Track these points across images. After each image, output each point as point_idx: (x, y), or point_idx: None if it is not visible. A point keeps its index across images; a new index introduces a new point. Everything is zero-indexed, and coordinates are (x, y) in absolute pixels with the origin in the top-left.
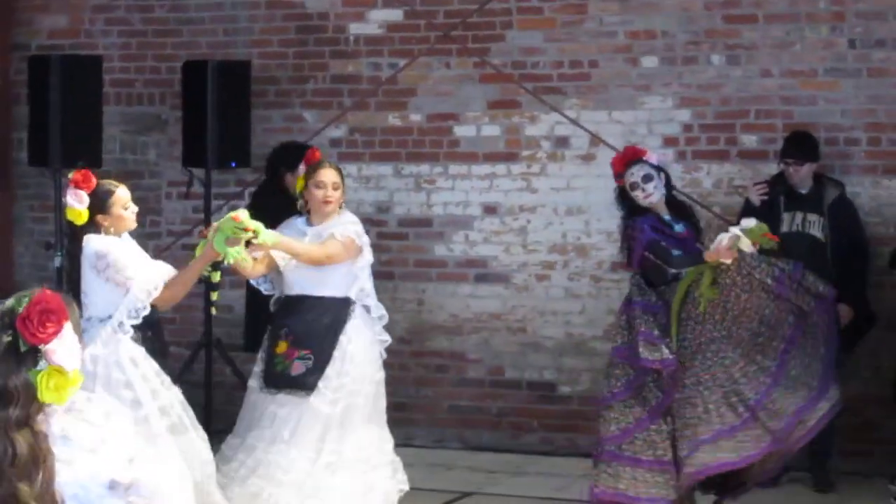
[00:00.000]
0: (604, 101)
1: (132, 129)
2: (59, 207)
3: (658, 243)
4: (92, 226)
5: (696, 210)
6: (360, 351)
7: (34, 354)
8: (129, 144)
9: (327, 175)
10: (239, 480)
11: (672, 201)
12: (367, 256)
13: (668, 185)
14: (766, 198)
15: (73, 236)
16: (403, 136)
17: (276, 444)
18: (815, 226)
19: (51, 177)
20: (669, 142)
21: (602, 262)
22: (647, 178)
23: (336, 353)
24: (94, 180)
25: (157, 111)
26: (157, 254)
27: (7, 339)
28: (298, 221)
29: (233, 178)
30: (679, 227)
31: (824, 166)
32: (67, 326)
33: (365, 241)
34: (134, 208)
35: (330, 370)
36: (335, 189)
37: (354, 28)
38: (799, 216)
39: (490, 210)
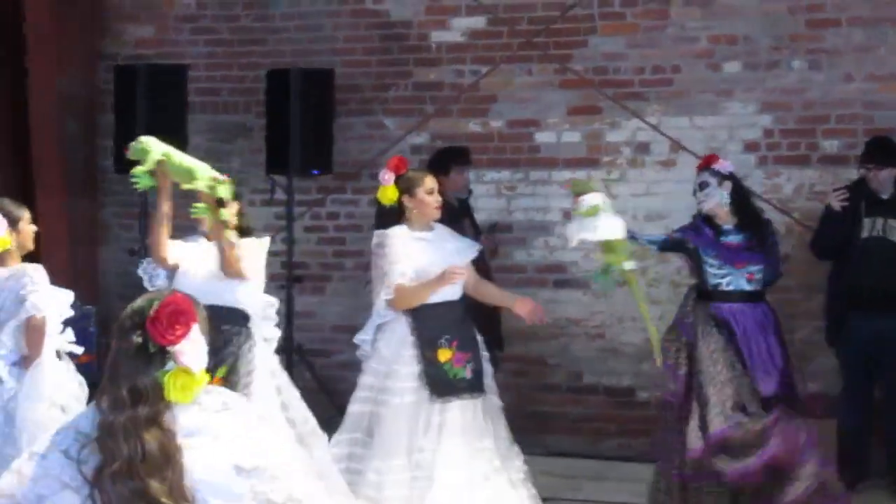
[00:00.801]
0: (685, 106)
1: (217, 137)
2: (145, 214)
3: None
4: None
5: (773, 216)
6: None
7: (162, 355)
8: (213, 152)
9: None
10: (483, 486)
11: (742, 209)
12: None
13: (738, 193)
14: (846, 203)
15: None
16: (484, 142)
17: (495, 443)
18: None
19: None
20: (750, 147)
21: (681, 268)
22: (702, 186)
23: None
24: None
25: (242, 119)
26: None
27: (137, 339)
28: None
29: (315, 186)
30: (734, 238)
31: None
32: (195, 328)
33: None
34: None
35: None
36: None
37: (437, 35)
38: (880, 222)
39: (570, 216)
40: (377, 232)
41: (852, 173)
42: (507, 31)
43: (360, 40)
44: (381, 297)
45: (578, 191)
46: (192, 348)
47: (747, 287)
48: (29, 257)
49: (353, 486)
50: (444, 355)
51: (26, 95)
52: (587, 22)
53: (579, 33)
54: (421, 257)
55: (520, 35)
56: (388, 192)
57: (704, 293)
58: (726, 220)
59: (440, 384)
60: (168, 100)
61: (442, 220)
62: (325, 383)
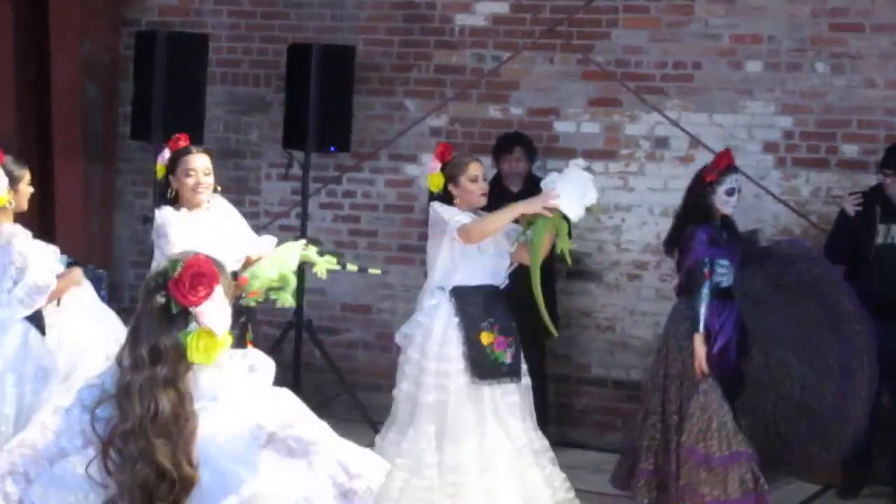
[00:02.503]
0: (705, 103)
1: (235, 110)
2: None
3: (703, 262)
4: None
5: (789, 218)
6: None
7: (185, 316)
8: (231, 124)
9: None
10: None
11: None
12: None
13: None
14: (860, 208)
15: None
16: (503, 128)
17: (534, 429)
18: None
19: (152, 152)
20: (769, 148)
21: None
22: (738, 191)
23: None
24: None
25: (261, 92)
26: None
27: (160, 300)
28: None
29: (332, 163)
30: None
31: None
32: (218, 290)
33: None
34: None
35: None
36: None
37: (460, 19)
38: (895, 229)
39: (586, 207)
40: (431, 203)
41: (871, 179)
42: (531, 19)
43: (383, 19)
44: (436, 272)
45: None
46: (215, 310)
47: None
48: (44, 221)
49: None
50: (486, 338)
51: (48, 59)
52: (610, 14)
53: (602, 25)
54: None
55: (542, 23)
56: (435, 180)
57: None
58: (717, 220)
59: (483, 367)
60: (188, 69)
61: (490, 206)
62: (334, 361)
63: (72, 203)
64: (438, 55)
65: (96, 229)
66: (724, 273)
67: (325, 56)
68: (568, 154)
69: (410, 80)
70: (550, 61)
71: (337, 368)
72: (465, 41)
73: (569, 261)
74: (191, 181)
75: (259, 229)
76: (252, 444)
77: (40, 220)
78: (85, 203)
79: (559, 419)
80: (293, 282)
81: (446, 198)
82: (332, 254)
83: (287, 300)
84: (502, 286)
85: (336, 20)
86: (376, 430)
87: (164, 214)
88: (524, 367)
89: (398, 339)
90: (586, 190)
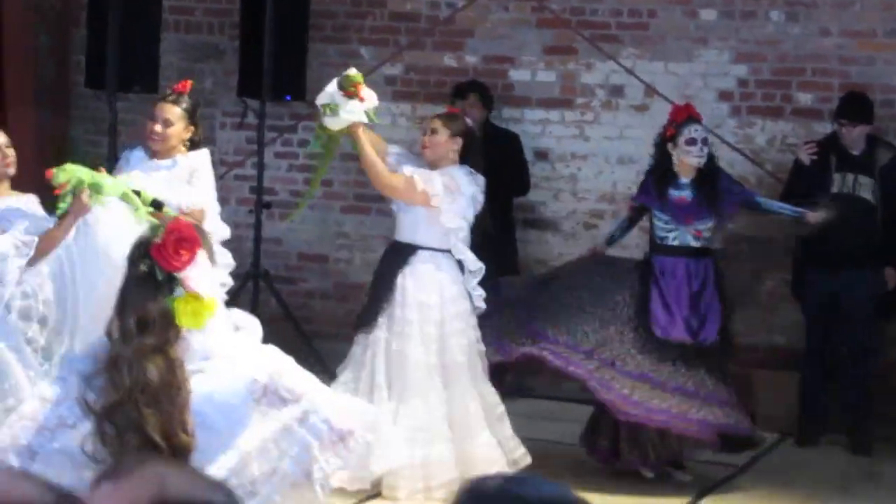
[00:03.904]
0: (660, 52)
1: (189, 58)
2: (114, 131)
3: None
4: None
5: (744, 167)
6: None
7: (170, 282)
8: (185, 72)
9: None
10: None
11: (705, 168)
12: None
13: (709, 154)
14: (815, 157)
15: None
16: (459, 77)
17: None
18: (866, 188)
19: (106, 101)
20: (724, 97)
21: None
22: (705, 142)
23: None
24: None
25: (215, 40)
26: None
27: (144, 268)
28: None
29: (287, 112)
30: (683, 193)
31: (879, 129)
32: (201, 253)
33: None
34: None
35: None
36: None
37: None
38: (850, 178)
39: (542, 156)
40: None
41: (826, 127)
42: None
43: None
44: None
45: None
46: (199, 273)
47: (693, 243)
48: None
49: None
50: None
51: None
52: None
53: None
54: None
55: None
56: None
57: (652, 246)
58: (688, 173)
59: None
60: (142, 17)
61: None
62: (291, 311)
63: (24, 151)
64: (392, 3)
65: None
66: (662, 227)
67: (279, 3)
68: (524, 102)
69: (365, 28)
70: (505, 9)
71: (294, 318)
72: None
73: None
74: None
75: (216, 179)
76: (247, 398)
77: None
78: (38, 152)
79: (517, 369)
80: (108, 187)
81: None
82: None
83: (100, 201)
84: None
85: None
86: (333, 378)
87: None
88: None
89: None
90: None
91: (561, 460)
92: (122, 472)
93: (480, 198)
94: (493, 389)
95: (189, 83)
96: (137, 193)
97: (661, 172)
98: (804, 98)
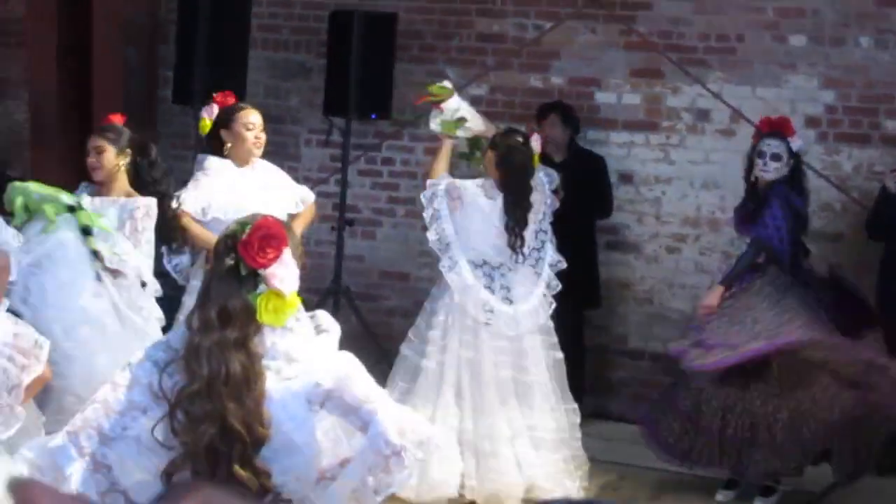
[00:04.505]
0: (748, 76)
1: (276, 75)
2: (200, 146)
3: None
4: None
5: (830, 194)
6: None
7: (254, 278)
8: (272, 90)
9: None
10: None
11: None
12: None
13: (798, 171)
14: None
15: None
16: (544, 98)
17: None
18: None
19: (193, 116)
20: (812, 122)
21: (734, 239)
22: (775, 157)
23: None
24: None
25: (302, 59)
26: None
27: (229, 262)
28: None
29: (372, 130)
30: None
31: None
32: (286, 252)
33: None
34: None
35: None
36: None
37: None
38: None
39: (626, 178)
40: None
41: None
42: None
43: None
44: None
45: (441, 99)
46: (284, 271)
47: None
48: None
49: None
50: None
51: (90, 23)
52: None
53: None
54: None
55: None
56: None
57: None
58: (762, 187)
59: None
60: (230, 34)
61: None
62: (371, 328)
63: None
64: (479, 24)
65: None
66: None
67: (367, 23)
68: (609, 125)
69: (451, 49)
70: (593, 31)
71: (374, 335)
72: (508, 10)
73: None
74: (250, 135)
75: None
76: (309, 403)
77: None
78: None
79: (596, 390)
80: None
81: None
82: None
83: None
84: None
85: None
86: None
87: (211, 160)
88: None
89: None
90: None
91: (638, 484)
92: (173, 499)
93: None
94: (573, 406)
95: (120, 117)
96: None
97: (748, 182)
98: (892, 125)
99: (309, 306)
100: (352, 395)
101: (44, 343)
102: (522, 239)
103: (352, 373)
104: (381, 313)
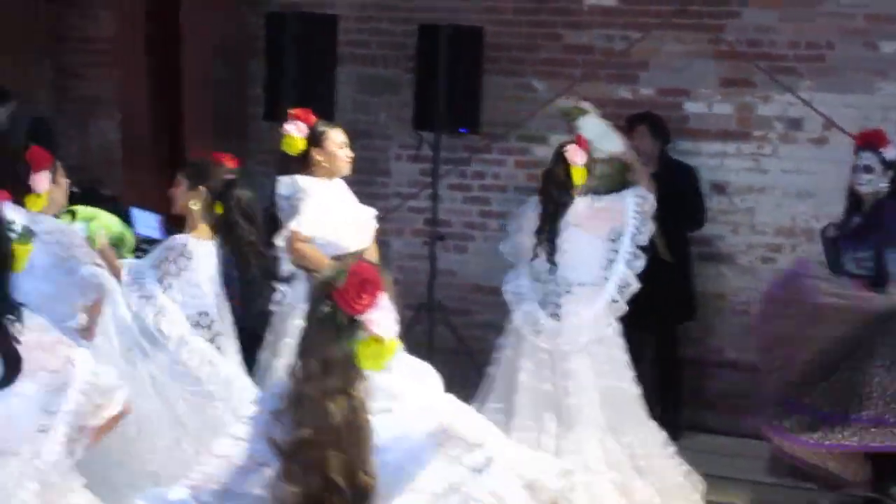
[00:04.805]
0: (839, 84)
1: (364, 90)
2: (288, 164)
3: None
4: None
5: None
6: None
7: (352, 324)
8: (361, 105)
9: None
10: None
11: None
12: None
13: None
14: None
15: None
16: (633, 109)
17: None
18: None
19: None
20: None
21: None
22: (867, 169)
23: None
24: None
25: (390, 74)
26: (384, 215)
27: (326, 310)
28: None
29: (461, 144)
30: (858, 218)
31: None
32: (383, 296)
33: None
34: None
35: None
36: None
37: None
38: None
39: (718, 189)
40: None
41: None
42: None
43: (512, 0)
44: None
45: (571, 118)
46: (382, 316)
47: (855, 270)
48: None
49: None
50: None
51: (179, 41)
52: None
53: (733, 4)
54: None
55: (673, 2)
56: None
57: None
58: (865, 201)
59: None
60: (318, 50)
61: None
62: (466, 343)
63: None
64: (567, 36)
65: None
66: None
67: (454, 37)
68: (699, 135)
69: (539, 61)
70: (681, 41)
71: (468, 350)
72: (595, 21)
73: None
74: (343, 154)
75: (389, 211)
76: (432, 441)
77: None
78: None
79: (693, 403)
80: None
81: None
82: None
83: (127, 254)
84: None
85: (464, 1)
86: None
87: (305, 180)
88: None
89: None
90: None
91: (738, 498)
92: None
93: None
94: (629, 439)
95: (218, 155)
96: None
97: (850, 197)
98: None
99: (403, 321)
100: (470, 434)
101: (120, 386)
102: (553, 247)
103: (465, 412)
104: (473, 327)
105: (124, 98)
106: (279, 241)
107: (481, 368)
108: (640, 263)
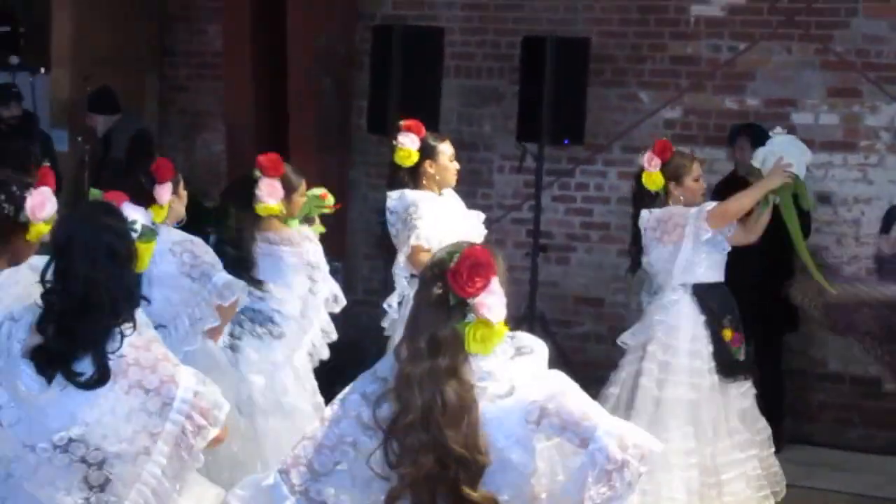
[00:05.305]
0: None
1: (469, 102)
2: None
3: None
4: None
5: None
6: None
7: (463, 307)
8: (465, 117)
9: None
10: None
11: None
12: None
13: None
14: None
15: None
16: (739, 119)
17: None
18: None
19: (387, 144)
20: None
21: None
22: None
23: None
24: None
25: (495, 85)
26: (487, 226)
27: (438, 291)
28: None
29: (565, 155)
30: None
31: None
32: (495, 280)
33: None
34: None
35: None
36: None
37: (696, 9)
38: None
39: (824, 199)
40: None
41: None
42: (768, 8)
43: (618, 10)
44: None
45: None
46: (492, 300)
47: None
48: None
49: None
50: (727, 335)
51: (285, 53)
52: (850, 3)
53: (841, 14)
54: None
55: (780, 12)
56: (655, 178)
57: None
58: None
59: (725, 364)
60: (423, 62)
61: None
62: (567, 354)
63: None
64: (673, 46)
65: (330, 220)
66: None
67: (559, 48)
68: (807, 146)
69: (645, 72)
70: (788, 51)
71: (570, 361)
72: (701, 31)
73: (814, 205)
74: (454, 167)
75: (492, 222)
76: (525, 421)
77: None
78: None
79: (795, 415)
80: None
81: (664, 194)
82: None
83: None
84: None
85: (570, 12)
86: None
87: (415, 194)
88: None
89: (624, 340)
90: (802, 149)
91: None
92: None
93: None
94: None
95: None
96: None
97: None
98: None
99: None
100: (568, 411)
101: (223, 405)
102: (638, 252)
103: (566, 388)
104: (576, 339)
105: (230, 111)
106: (399, 257)
107: (584, 380)
108: None
